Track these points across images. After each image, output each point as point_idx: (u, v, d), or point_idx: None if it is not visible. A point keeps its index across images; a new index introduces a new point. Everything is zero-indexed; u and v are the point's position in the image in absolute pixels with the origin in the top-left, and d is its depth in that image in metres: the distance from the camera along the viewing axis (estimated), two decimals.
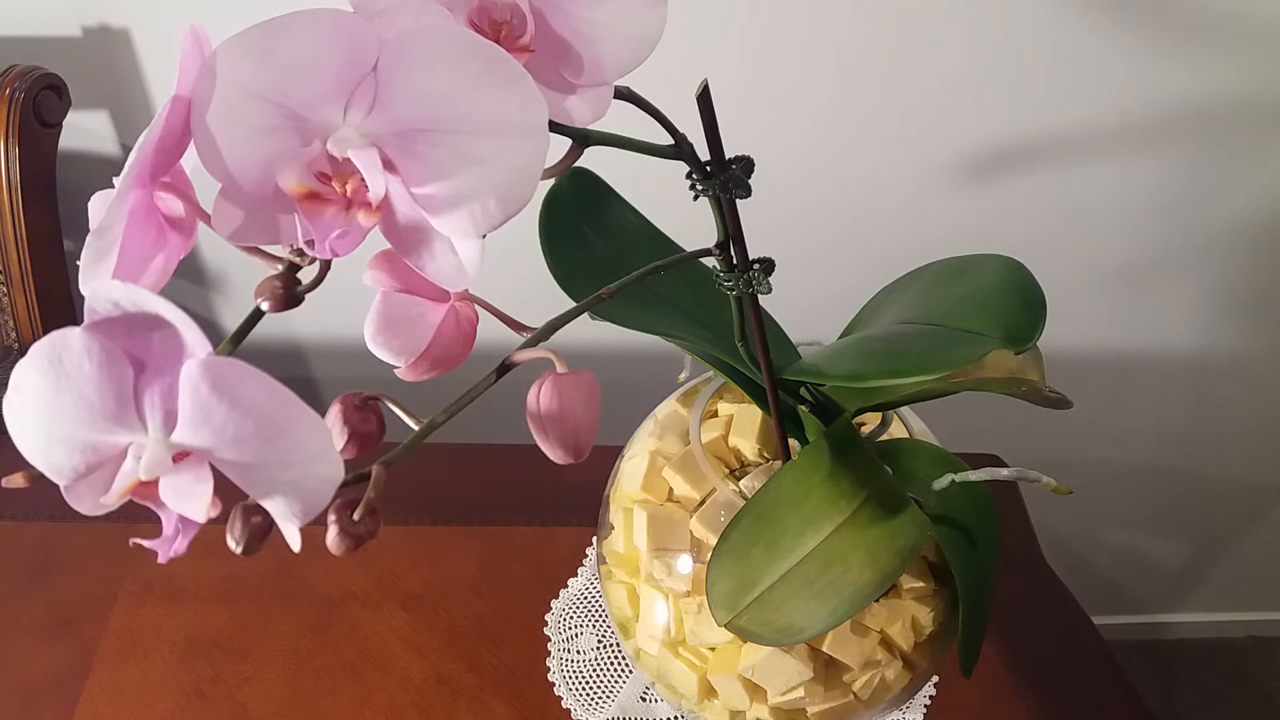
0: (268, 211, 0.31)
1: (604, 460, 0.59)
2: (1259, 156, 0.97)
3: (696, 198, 0.40)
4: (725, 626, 0.48)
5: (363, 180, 0.30)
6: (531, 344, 0.38)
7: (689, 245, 0.45)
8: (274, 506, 0.28)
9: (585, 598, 0.78)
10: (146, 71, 0.90)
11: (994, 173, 0.98)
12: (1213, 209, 1.01)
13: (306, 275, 0.32)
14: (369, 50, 0.29)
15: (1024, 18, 0.86)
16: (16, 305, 0.91)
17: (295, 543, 0.28)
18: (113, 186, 0.29)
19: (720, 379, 0.59)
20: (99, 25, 0.88)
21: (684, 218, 0.54)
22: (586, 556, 0.82)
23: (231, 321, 1.08)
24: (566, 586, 0.79)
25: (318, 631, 0.75)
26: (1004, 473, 0.47)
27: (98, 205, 0.32)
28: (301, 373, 1.16)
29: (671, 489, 0.57)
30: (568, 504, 0.85)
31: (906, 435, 0.58)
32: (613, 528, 0.60)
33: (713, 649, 0.55)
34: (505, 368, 0.37)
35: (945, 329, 0.46)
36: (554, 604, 0.78)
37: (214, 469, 0.27)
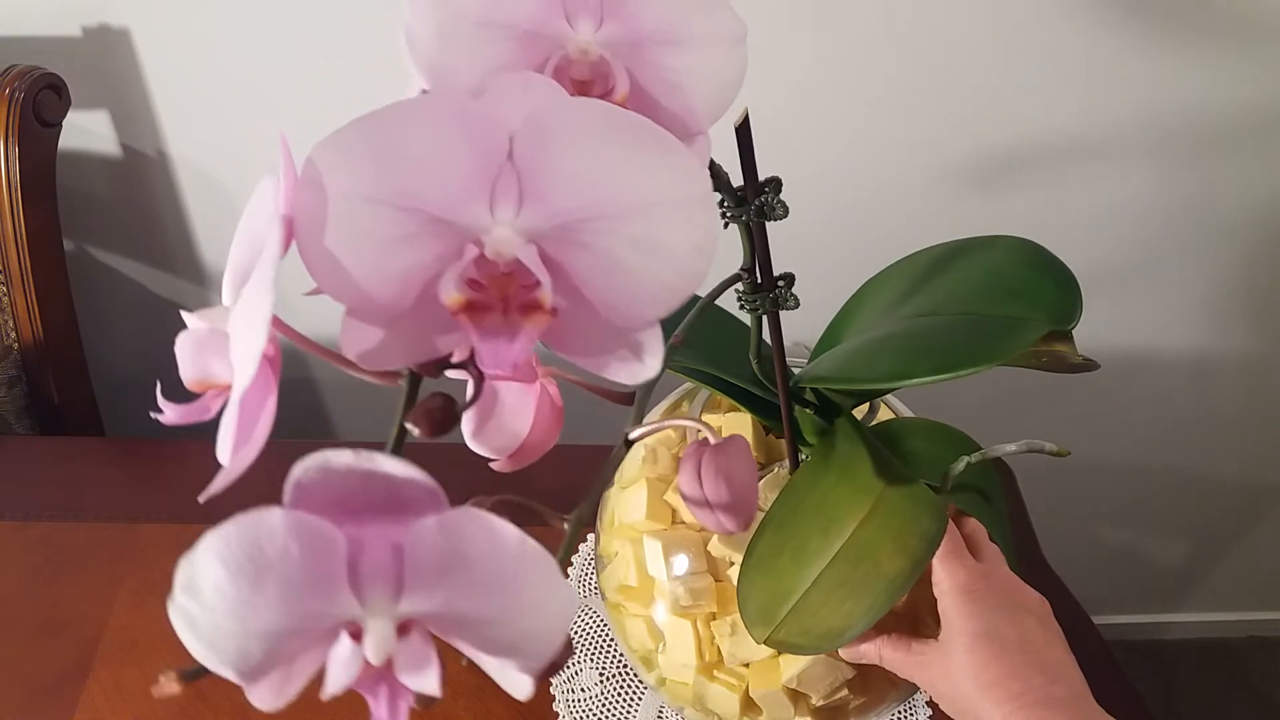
0: (408, 327, 0.28)
1: (602, 460, 0.59)
2: (1259, 157, 0.97)
3: (726, 225, 0.39)
4: (765, 643, 0.47)
5: (522, 283, 0.26)
6: (638, 413, 0.35)
7: None
8: (502, 660, 0.26)
9: (575, 633, 0.76)
10: (146, 71, 0.90)
11: (993, 175, 0.98)
12: (1213, 209, 1.01)
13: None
14: (498, 137, 0.26)
15: (1022, 21, 0.86)
16: (16, 305, 0.91)
17: (526, 692, 0.26)
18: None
19: (704, 392, 0.58)
20: (99, 25, 0.88)
21: None
22: (571, 564, 0.80)
23: None
24: None
25: None
26: (1010, 447, 0.48)
27: (187, 348, 0.29)
28: (301, 373, 1.16)
29: (675, 511, 0.56)
30: (567, 504, 0.85)
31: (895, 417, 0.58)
32: (613, 557, 0.59)
33: (746, 665, 0.55)
34: (630, 442, 0.35)
35: (978, 317, 0.45)
36: None
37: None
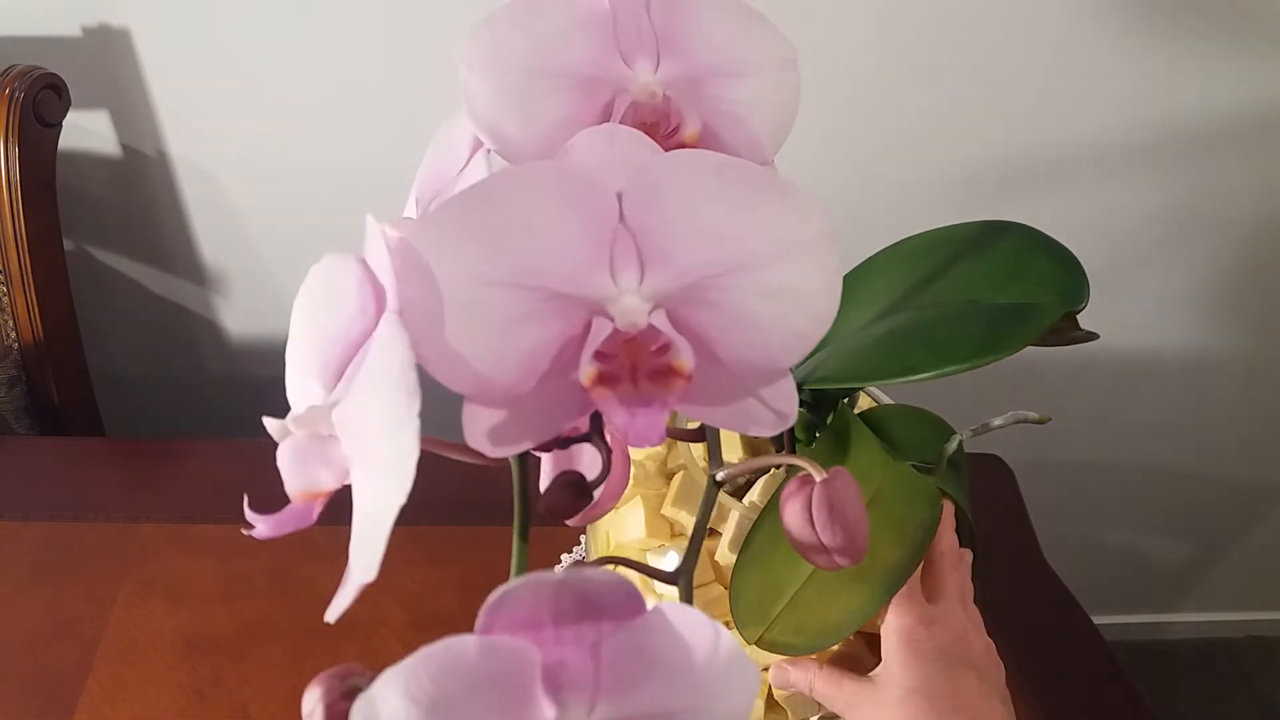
0: (529, 405, 0.26)
1: None
2: (1257, 159, 0.97)
3: None
4: (756, 644, 0.46)
5: (650, 348, 0.25)
6: (714, 451, 0.33)
7: None
8: None
9: None
10: (146, 71, 0.90)
11: (991, 175, 0.97)
12: (1213, 209, 1.01)
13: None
14: (606, 200, 0.25)
15: (1021, 23, 0.86)
16: (16, 305, 0.91)
17: None
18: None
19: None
20: (99, 25, 0.88)
21: None
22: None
23: (232, 322, 1.08)
24: None
25: (318, 631, 0.74)
26: (997, 421, 0.49)
27: (289, 459, 0.27)
28: None
29: (674, 525, 0.54)
30: None
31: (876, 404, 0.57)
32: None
33: (766, 669, 0.53)
34: (720, 484, 0.34)
35: (986, 304, 0.44)
36: None
37: None
